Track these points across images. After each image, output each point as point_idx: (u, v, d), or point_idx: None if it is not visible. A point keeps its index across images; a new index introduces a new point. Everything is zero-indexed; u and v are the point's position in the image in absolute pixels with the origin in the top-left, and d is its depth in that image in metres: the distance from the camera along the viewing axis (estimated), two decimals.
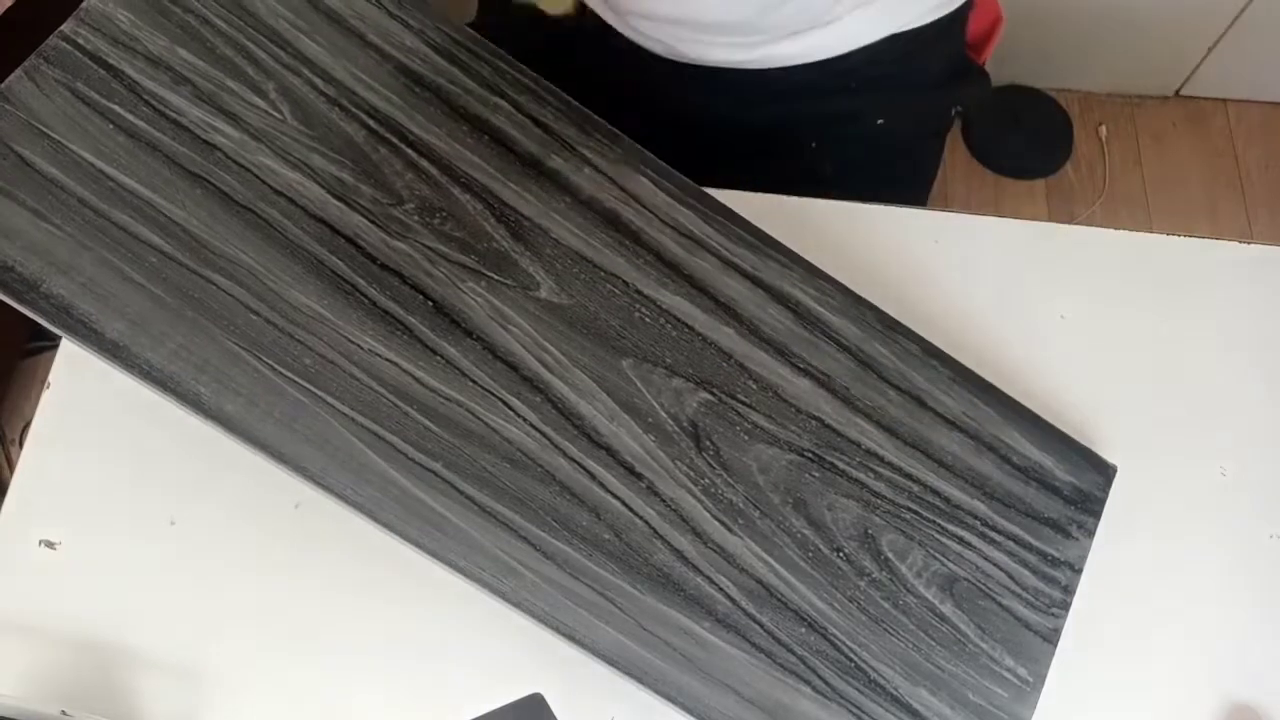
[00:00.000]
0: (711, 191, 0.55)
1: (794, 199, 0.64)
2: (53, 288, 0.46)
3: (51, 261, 0.47)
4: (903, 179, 0.66)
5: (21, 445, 0.54)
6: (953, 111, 0.79)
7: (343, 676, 0.53)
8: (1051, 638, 0.53)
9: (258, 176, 0.50)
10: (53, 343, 0.54)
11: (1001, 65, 1.52)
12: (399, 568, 0.48)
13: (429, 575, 0.47)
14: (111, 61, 0.49)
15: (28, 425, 0.55)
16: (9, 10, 0.53)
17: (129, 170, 0.48)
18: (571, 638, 0.47)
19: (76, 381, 0.55)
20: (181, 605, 0.53)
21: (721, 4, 0.63)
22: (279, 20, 0.52)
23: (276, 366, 0.47)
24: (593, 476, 0.49)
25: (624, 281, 0.52)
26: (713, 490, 0.51)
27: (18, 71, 0.48)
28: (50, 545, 0.55)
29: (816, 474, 0.52)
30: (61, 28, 0.49)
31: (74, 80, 0.49)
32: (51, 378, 0.57)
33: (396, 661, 0.53)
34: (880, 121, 0.73)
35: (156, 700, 0.51)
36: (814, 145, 0.71)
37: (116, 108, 0.49)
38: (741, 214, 0.55)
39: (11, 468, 0.77)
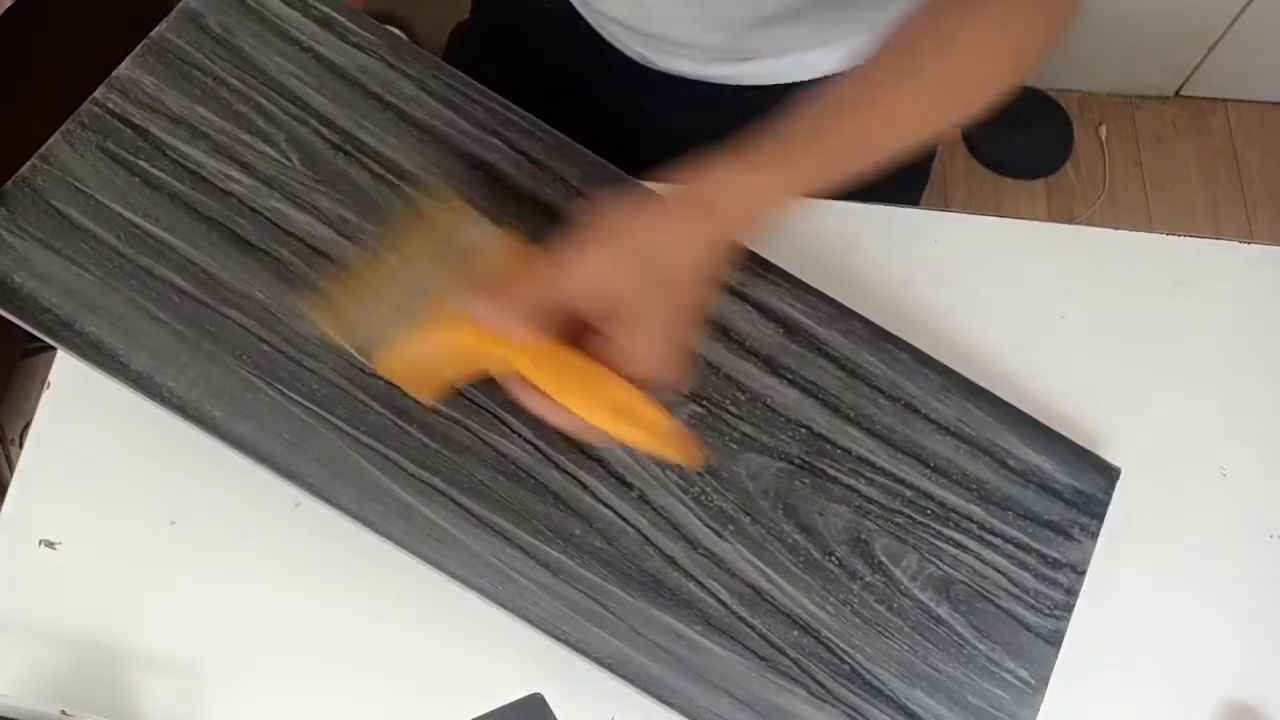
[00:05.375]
0: None
1: None
2: (85, 326, 0.51)
3: (84, 303, 0.51)
4: (882, 196, 0.67)
5: (21, 445, 0.57)
6: None
7: (343, 676, 0.54)
8: (1054, 639, 0.53)
9: (269, 219, 0.54)
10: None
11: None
12: (399, 568, 0.50)
13: (429, 576, 0.50)
14: (137, 122, 0.54)
15: (28, 425, 0.58)
16: (10, 8, 0.57)
17: (153, 218, 0.53)
18: (566, 641, 0.49)
19: (76, 381, 0.57)
20: (181, 605, 0.55)
21: (693, 30, 0.66)
22: (288, 77, 0.56)
23: (286, 391, 0.51)
24: (585, 487, 0.52)
25: None
26: (703, 498, 0.52)
27: (56, 135, 0.54)
28: (50, 545, 0.56)
29: (806, 480, 0.53)
30: (94, 94, 0.55)
31: (105, 140, 0.54)
32: (51, 378, 0.59)
33: (397, 661, 0.54)
34: None
35: (156, 700, 0.53)
36: None
37: (142, 163, 0.54)
38: None
39: (11, 468, 0.79)
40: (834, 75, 0.70)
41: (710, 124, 0.74)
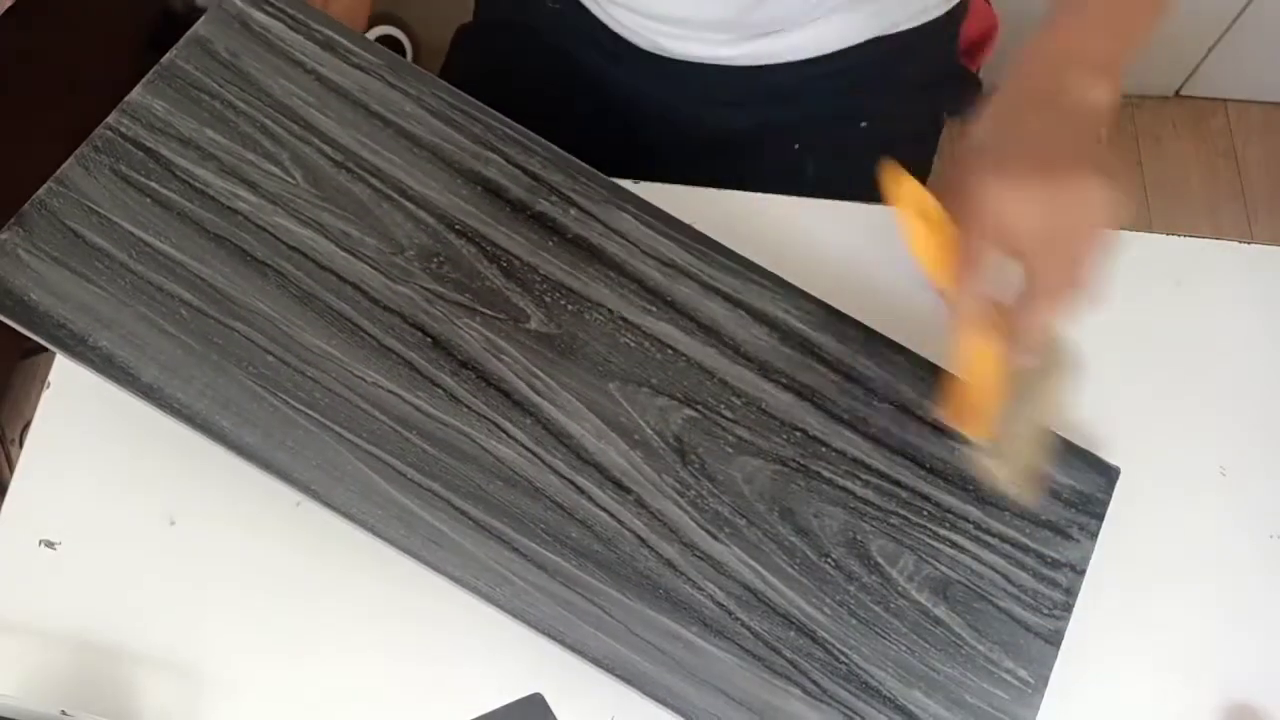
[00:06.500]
0: (707, 191, 0.57)
1: (790, 199, 0.65)
2: (98, 341, 0.53)
3: (97, 318, 0.53)
4: (883, 197, 0.67)
5: (21, 445, 0.58)
6: (944, 116, 0.80)
7: (343, 676, 0.55)
8: (1053, 639, 0.53)
9: (274, 235, 0.55)
10: None
11: (1002, 65, 1.53)
12: (399, 568, 0.50)
13: (429, 576, 0.51)
14: (148, 145, 0.57)
15: (28, 425, 0.58)
16: (10, 8, 0.59)
17: (163, 237, 0.55)
18: (563, 643, 0.50)
19: (76, 381, 0.57)
20: (182, 605, 0.56)
21: (701, 2, 0.66)
22: (293, 98, 0.58)
23: (290, 401, 0.52)
24: (582, 491, 0.53)
25: (609, 310, 0.56)
26: (699, 501, 0.53)
27: (70, 160, 0.56)
28: (50, 545, 0.57)
29: (801, 483, 0.54)
30: (107, 119, 0.57)
31: (117, 163, 0.56)
32: (51, 378, 0.60)
33: (397, 661, 0.55)
34: (864, 124, 0.74)
35: (156, 700, 0.54)
36: (797, 146, 0.73)
37: (153, 184, 0.56)
38: (737, 213, 0.57)
39: (11, 468, 0.80)
40: (851, 48, 0.70)
41: (724, 109, 0.74)
